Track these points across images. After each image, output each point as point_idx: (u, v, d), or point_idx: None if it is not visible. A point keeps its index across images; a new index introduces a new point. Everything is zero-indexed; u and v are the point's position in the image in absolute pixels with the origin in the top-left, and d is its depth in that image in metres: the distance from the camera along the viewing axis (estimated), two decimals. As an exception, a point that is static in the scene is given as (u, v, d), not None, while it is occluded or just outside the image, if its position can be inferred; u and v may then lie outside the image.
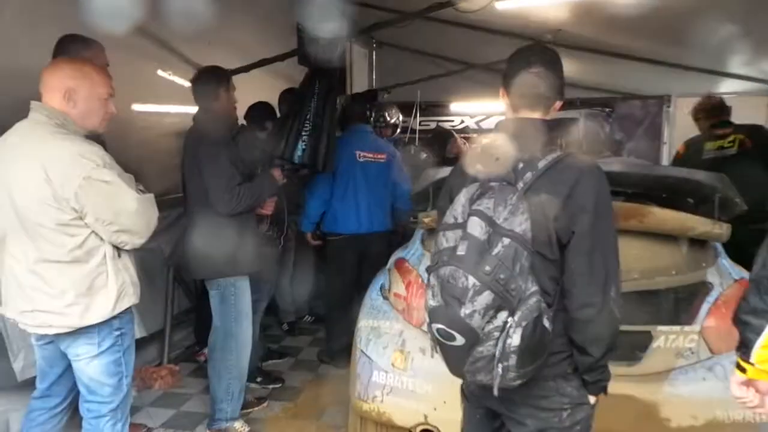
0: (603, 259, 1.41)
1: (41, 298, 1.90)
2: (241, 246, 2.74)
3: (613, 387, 1.55)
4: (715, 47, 5.06)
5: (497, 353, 1.34)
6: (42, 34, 2.46)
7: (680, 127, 6.20)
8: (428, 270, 1.44)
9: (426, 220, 2.54)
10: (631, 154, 6.27)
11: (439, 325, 1.36)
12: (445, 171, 2.61)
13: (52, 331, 1.94)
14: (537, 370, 1.40)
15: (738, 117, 4.22)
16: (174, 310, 3.72)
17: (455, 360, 1.41)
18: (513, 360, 1.33)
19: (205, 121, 2.82)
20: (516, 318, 1.33)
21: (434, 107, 7.14)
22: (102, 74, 2.02)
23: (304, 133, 2.97)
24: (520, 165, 1.45)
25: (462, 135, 7.07)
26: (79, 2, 2.72)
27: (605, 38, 5.49)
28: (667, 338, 2.08)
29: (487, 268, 1.31)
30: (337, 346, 3.57)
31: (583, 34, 5.60)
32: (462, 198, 1.43)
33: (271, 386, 3.49)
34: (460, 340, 1.34)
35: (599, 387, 1.51)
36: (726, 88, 5.86)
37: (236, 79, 3.37)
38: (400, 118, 4.68)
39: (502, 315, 1.33)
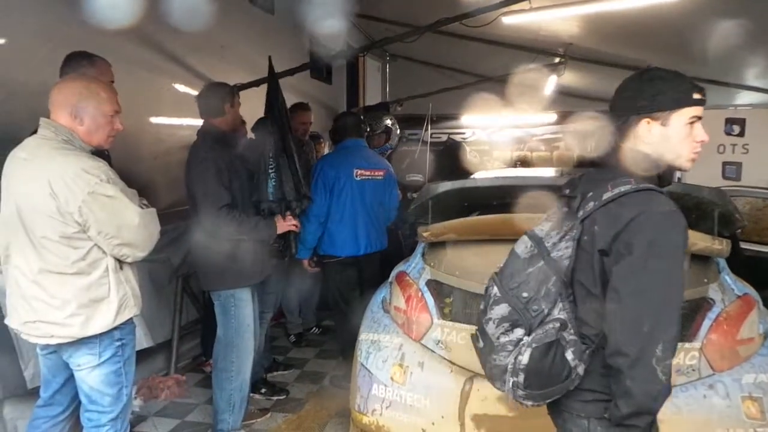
0: (645, 308, 1.28)
1: (44, 309, 1.95)
2: (240, 258, 2.76)
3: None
4: (729, 59, 5.01)
5: (509, 366, 1.38)
6: (57, 52, 2.54)
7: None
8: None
9: (425, 234, 2.55)
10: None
11: (476, 327, 1.50)
12: (446, 185, 2.63)
13: (54, 341, 1.99)
14: (553, 398, 1.39)
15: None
16: (182, 321, 3.77)
17: (481, 362, 1.50)
18: (521, 377, 1.37)
19: (205, 136, 2.86)
20: (530, 338, 1.37)
21: (446, 119, 7.16)
22: (108, 91, 2.08)
23: (270, 171, 2.92)
24: (590, 193, 1.41)
25: (473, 147, 7.12)
26: (91, 19, 2.83)
27: (616, 51, 5.48)
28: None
29: (513, 283, 1.40)
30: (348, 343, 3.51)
31: (594, 47, 5.60)
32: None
33: (274, 397, 3.51)
34: (480, 343, 1.47)
35: None
36: (741, 100, 5.80)
37: (246, 93, 3.44)
38: (395, 123, 4.58)
39: (518, 331, 1.39)
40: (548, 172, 3.79)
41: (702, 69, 5.46)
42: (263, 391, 3.51)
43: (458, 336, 2.27)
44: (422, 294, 2.42)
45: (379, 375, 2.37)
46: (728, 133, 6.10)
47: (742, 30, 4.22)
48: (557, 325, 1.36)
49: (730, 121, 6.10)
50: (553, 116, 7.05)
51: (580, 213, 1.41)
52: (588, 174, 1.50)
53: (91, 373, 2.02)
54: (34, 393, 2.50)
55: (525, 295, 1.37)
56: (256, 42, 5.21)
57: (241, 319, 2.84)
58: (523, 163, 6.46)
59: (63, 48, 2.55)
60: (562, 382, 1.37)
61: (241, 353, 2.84)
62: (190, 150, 2.86)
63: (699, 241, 2.16)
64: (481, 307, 1.49)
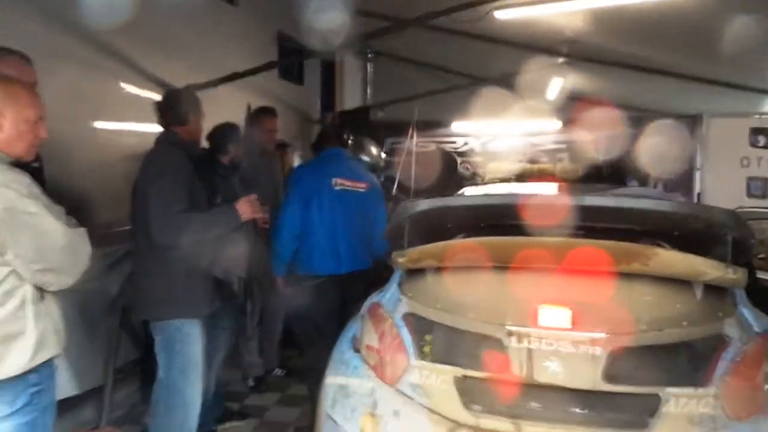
0: None
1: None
2: (189, 284, 2.77)
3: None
4: (754, 61, 5.13)
5: None
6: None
7: (713, 151, 6.25)
8: None
9: (401, 260, 2.55)
10: (657, 184, 6.31)
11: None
12: (426, 203, 2.65)
13: (-43, 386, 1.94)
14: None
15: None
16: (118, 363, 3.70)
17: None
18: None
19: (167, 144, 2.95)
20: None
21: (434, 127, 7.25)
22: (30, 95, 2.07)
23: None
24: None
25: (465, 160, 7.20)
26: (14, 7, 2.83)
27: (626, 50, 5.60)
28: (679, 402, 2.05)
29: None
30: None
31: (602, 45, 5.71)
32: None
33: (228, 454, 3.47)
34: None
35: None
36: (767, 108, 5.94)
37: (203, 95, 3.46)
38: (381, 154, 4.53)
39: None
40: (548, 189, 3.84)
41: (723, 71, 5.60)
42: (214, 446, 3.47)
43: (439, 379, 2.25)
44: (398, 330, 2.40)
45: (347, 426, 2.34)
46: (753, 145, 6.22)
47: (769, 27, 4.30)
48: None
49: (755, 131, 6.23)
50: (557, 123, 7.16)
51: None
52: None
53: (1, 426, 1.97)
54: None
55: None
56: (216, 37, 5.25)
57: (188, 358, 2.82)
58: (522, 177, 6.53)
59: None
60: None
61: (186, 399, 2.81)
62: (146, 157, 2.93)
63: (711, 269, 2.18)
64: None
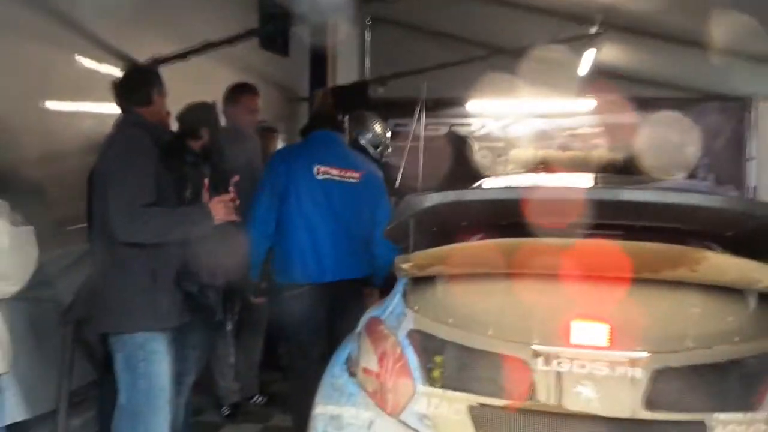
0: None
1: None
2: (156, 291, 2.78)
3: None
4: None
5: None
6: None
7: (766, 138, 6.25)
8: None
9: (406, 266, 2.55)
10: (708, 174, 6.33)
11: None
12: (436, 198, 2.65)
13: None
14: None
15: None
16: (72, 385, 3.71)
17: None
18: None
19: (129, 126, 2.96)
20: None
21: (445, 106, 7.25)
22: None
23: None
24: None
25: (482, 146, 7.21)
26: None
27: (670, 19, 5.57)
28: (726, 429, 2.07)
29: None
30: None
31: (642, 13, 5.69)
32: None
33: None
34: None
35: None
36: None
37: (171, 70, 3.47)
38: (386, 131, 4.43)
39: None
40: (583, 181, 3.84)
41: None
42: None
43: (451, 409, 2.25)
44: (402, 350, 2.40)
45: (340, 465, 2.36)
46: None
47: None
48: None
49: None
50: (591, 103, 7.16)
51: None
52: None
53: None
54: None
55: None
56: (184, 1, 5.25)
57: (153, 380, 2.82)
58: (550, 166, 6.54)
59: None
60: None
61: (150, 429, 2.81)
62: (106, 141, 2.94)
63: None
64: None
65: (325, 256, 3.56)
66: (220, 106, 4.14)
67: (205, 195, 2.99)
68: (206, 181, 3.06)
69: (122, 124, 3.02)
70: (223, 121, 4.23)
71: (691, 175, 6.09)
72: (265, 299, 3.84)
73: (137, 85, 3.05)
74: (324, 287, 3.54)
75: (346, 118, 4.21)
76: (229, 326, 4.18)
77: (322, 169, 3.59)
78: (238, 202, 2.98)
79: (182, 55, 4.32)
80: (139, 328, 2.80)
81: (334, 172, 3.62)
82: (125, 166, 2.78)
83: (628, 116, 6.64)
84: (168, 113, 3.65)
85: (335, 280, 3.56)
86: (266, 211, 3.53)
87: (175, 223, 2.84)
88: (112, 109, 3.17)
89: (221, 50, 4.70)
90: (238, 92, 4.57)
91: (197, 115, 3.73)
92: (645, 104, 6.71)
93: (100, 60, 4.29)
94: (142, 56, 4.14)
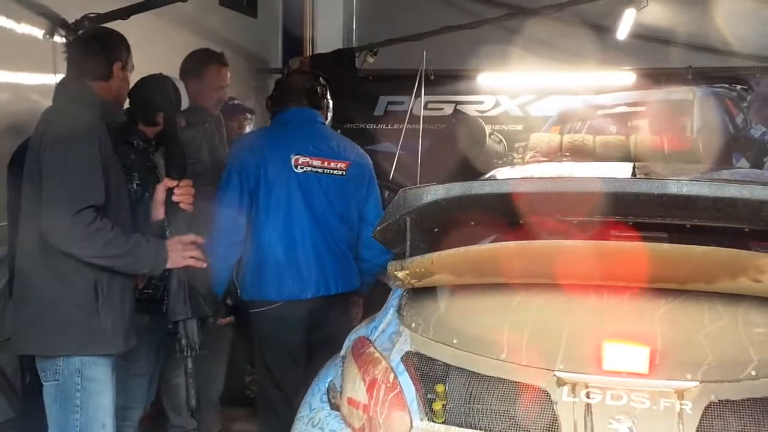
0: None
1: None
2: (96, 307, 2.77)
3: None
4: None
5: None
6: None
7: None
8: None
9: (402, 274, 2.57)
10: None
11: None
12: (439, 191, 2.66)
13: None
14: None
15: None
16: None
17: None
18: None
19: (75, 102, 2.93)
20: None
21: (451, 80, 7.26)
22: None
23: None
24: None
25: (495, 128, 7.21)
26: None
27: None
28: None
29: None
30: None
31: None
32: None
33: None
34: None
35: None
36: None
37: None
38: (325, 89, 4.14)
39: None
40: (619, 171, 3.85)
41: None
42: None
43: (456, 450, 2.28)
44: (396, 377, 2.42)
45: None
46: None
47: None
48: None
49: None
50: (630, 76, 7.19)
51: None
52: None
53: None
54: None
55: None
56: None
57: (91, 414, 2.82)
58: (578, 153, 6.56)
59: None
60: None
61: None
62: (44, 117, 2.89)
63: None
64: None
65: (305, 268, 3.57)
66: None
67: (159, 192, 2.99)
68: (160, 174, 3.06)
69: (66, 99, 2.98)
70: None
71: (756, 163, 6.11)
72: (230, 319, 3.83)
73: (95, 53, 3.00)
74: (303, 304, 3.57)
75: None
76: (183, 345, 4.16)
77: (302, 160, 3.61)
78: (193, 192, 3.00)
79: (120, 13, 4.30)
80: (77, 352, 2.79)
81: (316, 163, 3.64)
82: (68, 153, 2.73)
83: (676, 92, 6.65)
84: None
85: (317, 296, 3.57)
86: (234, 214, 3.52)
87: (123, 253, 2.79)
88: (34, 79, 3.13)
89: (170, 7, 4.69)
90: (203, 62, 4.32)
91: (151, 93, 3.59)
92: (698, 74, 6.73)
93: (18, 18, 4.24)
94: (71, 15, 4.14)
